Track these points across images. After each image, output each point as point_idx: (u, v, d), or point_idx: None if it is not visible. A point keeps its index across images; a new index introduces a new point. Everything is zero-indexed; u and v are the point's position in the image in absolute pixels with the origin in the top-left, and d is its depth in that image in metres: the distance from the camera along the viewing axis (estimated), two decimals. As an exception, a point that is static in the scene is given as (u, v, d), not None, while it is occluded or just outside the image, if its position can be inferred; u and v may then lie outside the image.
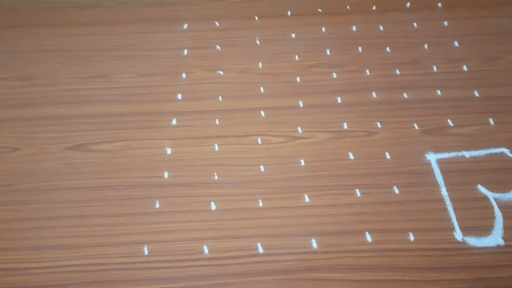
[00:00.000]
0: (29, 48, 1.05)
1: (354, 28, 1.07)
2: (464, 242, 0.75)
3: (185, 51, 1.04)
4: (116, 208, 0.80)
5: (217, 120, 0.92)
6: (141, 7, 1.14)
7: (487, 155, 0.85)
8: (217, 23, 1.09)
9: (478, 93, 0.94)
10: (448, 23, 1.07)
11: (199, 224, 0.78)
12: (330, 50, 1.03)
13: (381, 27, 1.07)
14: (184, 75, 0.99)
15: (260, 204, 0.80)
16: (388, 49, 1.03)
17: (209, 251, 0.75)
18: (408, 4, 1.12)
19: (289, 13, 1.11)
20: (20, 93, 0.97)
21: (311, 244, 0.75)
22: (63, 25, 1.10)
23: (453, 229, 0.76)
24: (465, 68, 0.98)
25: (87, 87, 0.98)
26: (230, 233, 0.76)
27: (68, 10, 1.13)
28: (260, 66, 1.01)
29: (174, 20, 1.10)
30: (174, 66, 1.01)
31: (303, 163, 0.85)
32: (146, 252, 0.75)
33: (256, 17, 1.11)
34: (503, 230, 0.76)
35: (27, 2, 1.15)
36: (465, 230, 0.76)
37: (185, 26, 1.09)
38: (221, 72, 1.00)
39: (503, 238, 0.76)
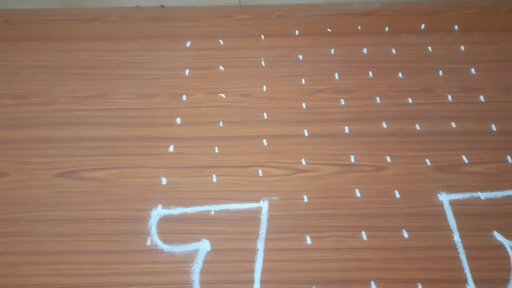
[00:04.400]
0: (25, 64, 1.01)
1: (365, 50, 1.02)
2: (478, 297, 0.69)
3: (187, 71, 0.99)
4: (105, 244, 0.75)
5: (216, 148, 0.87)
6: (143, 22, 1.10)
7: (505, 197, 0.79)
8: (221, 42, 1.04)
9: (496, 126, 0.88)
10: (464, 48, 1.02)
11: (192, 266, 0.72)
12: (338, 74, 0.98)
13: (393, 50, 1.02)
14: (184, 97, 0.95)
15: (259, 245, 0.74)
16: (400, 74, 0.97)
17: (201, 297, 0.70)
18: (423, 26, 1.06)
19: (297, 33, 1.06)
20: (12, 113, 0.93)
21: (312, 293, 0.70)
22: (62, 39, 1.06)
23: (465, 281, 0.70)
24: (482, 98, 0.92)
25: (82, 108, 0.93)
26: (224, 277, 0.72)
27: (68, 24, 1.09)
28: (264, 90, 0.96)
29: (177, 37, 1.06)
30: (174, 87, 0.97)
31: (306, 199, 0.80)
32: (134, 296, 0.70)
33: (262, 36, 1.06)
34: (520, 283, 0.71)
35: (26, 14, 1.11)
36: (479, 283, 0.70)
37: (188, 44, 1.04)
38: (223, 95, 0.95)
39: (520, 292, 0.70)
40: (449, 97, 0.93)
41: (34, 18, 1.11)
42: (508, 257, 0.72)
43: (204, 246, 0.74)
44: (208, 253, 0.74)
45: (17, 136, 0.89)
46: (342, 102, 0.93)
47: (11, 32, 1.08)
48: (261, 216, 0.78)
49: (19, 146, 0.88)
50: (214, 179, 0.83)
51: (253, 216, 0.78)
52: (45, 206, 0.79)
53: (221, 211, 0.78)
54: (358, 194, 0.80)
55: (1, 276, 0.72)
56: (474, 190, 0.80)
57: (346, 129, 0.89)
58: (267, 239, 0.75)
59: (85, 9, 1.11)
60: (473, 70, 0.97)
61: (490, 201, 0.78)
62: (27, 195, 0.81)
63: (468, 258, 0.72)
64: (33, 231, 0.77)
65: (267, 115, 0.91)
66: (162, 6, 1.13)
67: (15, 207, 0.80)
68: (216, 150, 0.86)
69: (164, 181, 0.82)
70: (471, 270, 0.71)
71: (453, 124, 0.88)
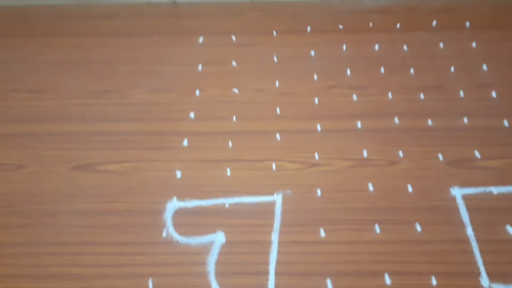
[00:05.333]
0: (40, 59, 1.02)
1: (376, 47, 1.02)
2: (491, 290, 0.70)
3: (200, 67, 1.00)
4: (122, 235, 0.76)
5: (230, 142, 0.88)
6: (156, 18, 1.10)
7: (517, 192, 0.79)
8: (233, 38, 1.05)
9: (508, 122, 0.88)
10: (476, 45, 1.02)
11: (207, 257, 0.73)
12: (350, 70, 0.98)
13: (405, 47, 1.02)
14: (197, 92, 0.96)
15: (273, 237, 0.75)
16: (412, 71, 0.98)
17: (217, 288, 0.71)
18: (434, 23, 1.06)
19: (308, 29, 1.07)
20: (29, 106, 0.94)
21: (326, 285, 0.70)
22: (77, 35, 1.07)
23: (479, 274, 0.71)
24: (494, 94, 0.93)
25: (97, 102, 0.94)
26: (240, 268, 0.72)
27: (83, 20, 1.10)
28: (277, 85, 0.96)
29: (190, 33, 1.07)
30: (187, 82, 0.97)
31: (319, 193, 0.80)
32: (150, 286, 0.71)
33: (275, 32, 1.06)
34: (533, 276, 0.71)
35: (41, 10, 1.13)
36: (492, 276, 0.70)
37: (201, 39, 1.05)
38: (236, 91, 0.96)
39: (533, 285, 0.70)
40: (461, 93, 0.93)
41: (49, 14, 1.12)
42: (521, 251, 0.73)
43: (219, 238, 0.75)
44: (223, 245, 0.75)
45: (34, 129, 0.90)
46: (354, 97, 0.94)
47: (26, 28, 1.09)
48: (275, 209, 0.78)
49: (35, 139, 0.89)
50: (228, 173, 0.83)
51: (267, 209, 0.79)
52: (62, 198, 0.81)
53: (235, 204, 0.79)
54: (371, 188, 0.81)
55: (21, 266, 0.73)
56: (487, 185, 0.80)
57: (359, 124, 0.89)
58: (281, 232, 0.76)
59: (99, 5, 1.12)
60: (485, 67, 0.98)
61: (502, 196, 0.79)
62: (44, 187, 0.82)
63: (481, 251, 0.73)
64: (51, 223, 0.78)
65: (280, 111, 0.92)
66: (175, 2, 1.14)
67: (32, 199, 0.81)
68: (230, 145, 0.87)
69: (178, 174, 0.83)
70: (484, 263, 0.71)
71: (465, 120, 0.89)
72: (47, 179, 0.83)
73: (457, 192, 0.79)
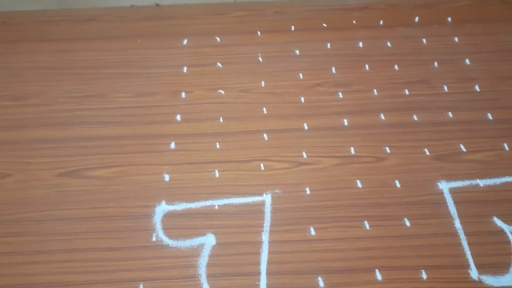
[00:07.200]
0: (23, 65, 1.01)
1: (360, 44, 1.03)
2: (480, 281, 0.70)
3: (185, 69, 1.00)
4: (111, 241, 0.75)
5: (217, 143, 0.87)
6: (140, 21, 1.10)
7: (503, 183, 0.80)
8: (218, 39, 1.05)
9: (492, 115, 0.89)
10: (458, 39, 1.03)
11: (198, 260, 0.73)
12: (335, 68, 0.99)
13: (388, 43, 1.03)
14: (183, 94, 0.95)
15: (263, 237, 0.75)
16: (396, 67, 0.98)
17: (209, 290, 0.71)
18: (416, 19, 1.07)
19: (292, 28, 1.07)
20: (12, 114, 0.93)
21: (318, 283, 0.70)
22: (59, 40, 1.06)
23: (468, 266, 0.71)
24: (477, 88, 0.94)
25: (82, 108, 0.93)
26: (231, 269, 0.72)
27: (65, 24, 1.09)
28: (263, 85, 0.96)
29: (174, 35, 1.06)
30: (173, 84, 0.97)
31: (308, 192, 0.80)
32: (142, 291, 0.71)
33: (259, 32, 1.07)
34: (521, 267, 0.72)
35: (22, 15, 1.11)
36: (481, 268, 0.71)
37: (185, 41, 1.05)
38: (222, 91, 0.95)
39: (521, 276, 0.71)
40: (445, 88, 0.94)
41: (31, 19, 1.11)
42: (509, 242, 0.74)
43: (209, 240, 0.75)
44: (214, 247, 0.74)
45: (18, 137, 0.89)
46: (340, 95, 0.94)
47: (8, 34, 1.08)
48: (265, 209, 0.78)
49: (20, 147, 0.88)
50: (217, 174, 0.83)
51: (257, 210, 0.78)
52: (49, 206, 0.80)
53: (225, 205, 0.79)
54: (359, 185, 0.81)
55: (9, 276, 0.72)
56: (473, 178, 0.81)
57: (345, 122, 0.90)
58: (271, 232, 0.76)
59: (81, 9, 1.12)
60: (467, 61, 0.99)
61: (489, 188, 0.80)
62: (30, 195, 0.81)
63: (469, 244, 0.73)
64: (38, 231, 0.77)
65: (266, 110, 0.92)
66: (157, 4, 1.14)
67: (18, 207, 0.80)
68: (217, 146, 0.87)
69: (166, 177, 0.83)
70: (473, 255, 0.72)
71: (450, 114, 0.90)
72: (34, 187, 0.82)
73: (444, 186, 0.80)
